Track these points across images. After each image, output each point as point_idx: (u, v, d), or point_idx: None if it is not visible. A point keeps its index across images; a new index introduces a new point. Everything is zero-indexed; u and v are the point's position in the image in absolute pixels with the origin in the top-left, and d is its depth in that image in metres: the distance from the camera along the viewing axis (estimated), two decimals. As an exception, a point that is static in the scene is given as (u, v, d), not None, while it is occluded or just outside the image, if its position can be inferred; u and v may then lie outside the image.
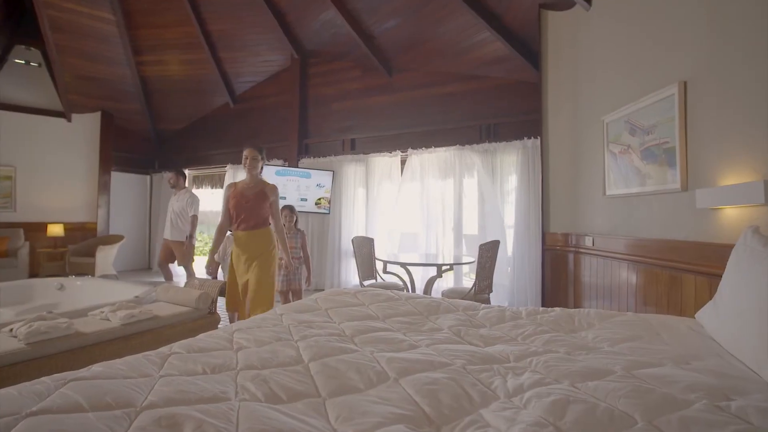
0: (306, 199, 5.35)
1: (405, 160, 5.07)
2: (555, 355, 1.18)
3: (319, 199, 5.39)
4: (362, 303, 1.74)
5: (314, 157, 5.63)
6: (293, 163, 5.67)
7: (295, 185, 5.33)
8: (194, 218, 4.52)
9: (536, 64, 3.96)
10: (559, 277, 3.57)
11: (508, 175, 4.55)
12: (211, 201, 7.13)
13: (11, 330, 1.93)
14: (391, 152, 5.13)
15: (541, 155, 3.90)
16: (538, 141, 4.10)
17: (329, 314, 1.62)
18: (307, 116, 5.88)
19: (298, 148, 5.76)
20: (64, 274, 5.51)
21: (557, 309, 1.74)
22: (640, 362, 1.09)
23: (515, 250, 4.26)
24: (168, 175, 4.81)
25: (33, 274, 5.82)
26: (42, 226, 6.13)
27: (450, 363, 1.11)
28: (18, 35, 5.96)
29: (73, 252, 5.75)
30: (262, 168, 2.77)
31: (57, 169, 6.40)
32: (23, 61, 6.12)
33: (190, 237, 4.49)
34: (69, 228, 6.32)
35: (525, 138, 4.34)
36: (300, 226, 5.52)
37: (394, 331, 1.42)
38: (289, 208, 3.42)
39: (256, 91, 6.46)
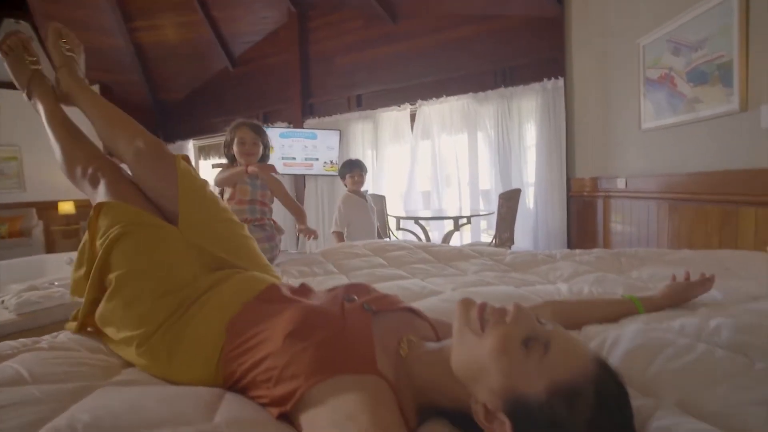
0: (317, 159, 5.15)
1: (415, 115, 4.76)
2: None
3: (330, 162, 5.18)
4: (370, 254, 1.54)
5: (319, 117, 5.36)
6: (298, 125, 5.41)
7: (301, 146, 5.11)
8: None
9: (557, -7, 3.54)
10: (586, 225, 3.32)
11: (527, 121, 4.21)
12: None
13: (2, 302, 1.83)
14: (399, 105, 4.82)
15: (565, 96, 3.57)
16: (560, 81, 3.75)
17: (333, 266, 1.44)
18: (310, 75, 5.55)
19: (302, 109, 5.48)
20: (79, 251, 5.51)
21: (596, 249, 1.52)
22: (729, 298, 0.89)
23: (537, 200, 4.00)
24: None
25: (49, 252, 5.83)
26: (53, 205, 6.09)
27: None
28: (5, 8, 5.70)
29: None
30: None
31: (61, 147, 6.29)
32: (14, 36, 5.89)
33: None
34: (80, 205, 6.26)
35: (545, 79, 3.96)
36: (309, 188, 5.29)
37: (410, 278, 1.23)
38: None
39: (255, 52, 6.12)
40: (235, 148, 1.82)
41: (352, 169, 2.87)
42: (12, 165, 6.09)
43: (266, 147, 1.89)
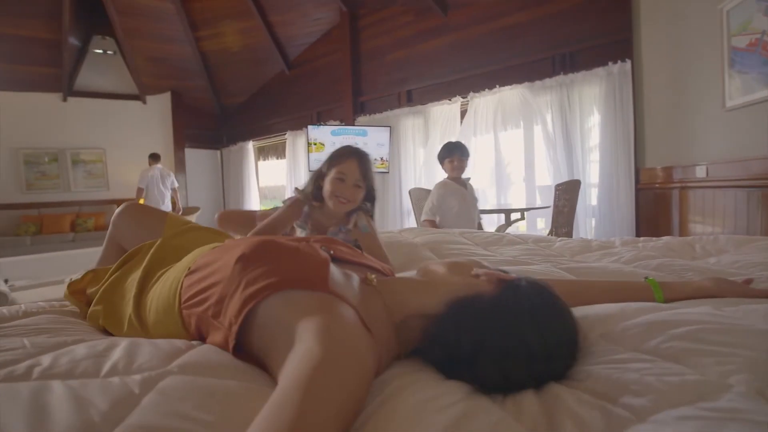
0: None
1: (465, 110, 4.59)
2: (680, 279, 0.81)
3: (380, 159, 5.16)
4: (406, 239, 1.45)
5: (370, 114, 5.36)
6: (349, 123, 5.46)
7: (351, 143, 5.10)
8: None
9: (623, -35, 3.22)
10: (658, 219, 2.96)
11: (589, 110, 3.87)
12: (276, 172, 7.26)
13: (71, 279, 1.96)
14: (450, 99, 4.67)
15: (633, 79, 3.23)
16: (627, 64, 3.40)
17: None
18: (361, 72, 5.58)
19: (354, 107, 5.52)
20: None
21: (665, 237, 1.30)
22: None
23: (600, 195, 3.65)
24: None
25: (127, 245, 6.41)
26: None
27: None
28: (94, 26, 6.38)
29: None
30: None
31: (138, 149, 6.88)
32: (101, 51, 6.56)
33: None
34: (153, 203, 6.83)
35: (610, 63, 3.61)
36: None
37: (435, 258, 1.12)
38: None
39: (309, 53, 6.29)
40: (327, 185, 1.28)
41: (452, 153, 2.52)
42: (98, 166, 6.79)
43: (370, 190, 1.34)
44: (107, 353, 0.48)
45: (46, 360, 0.46)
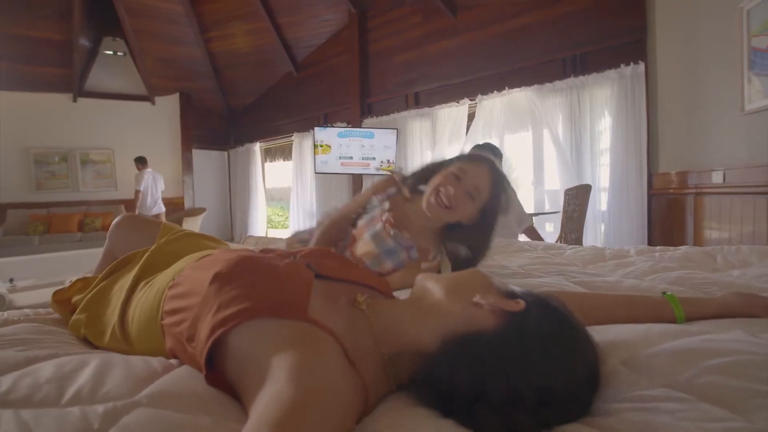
0: (374, 158, 5.12)
1: (473, 112, 4.53)
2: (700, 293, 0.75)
3: (386, 161, 5.11)
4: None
5: (377, 116, 5.32)
6: (356, 125, 5.42)
7: (358, 145, 5.11)
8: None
9: (637, -35, 3.15)
10: (671, 227, 2.88)
11: (600, 113, 3.79)
12: (282, 174, 7.25)
13: (71, 281, 1.95)
14: (458, 101, 4.61)
15: (646, 81, 3.15)
16: (640, 66, 3.32)
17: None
18: (368, 74, 5.55)
19: (361, 109, 5.49)
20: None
21: (683, 246, 1.24)
22: None
23: (611, 200, 3.56)
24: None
25: (134, 245, 6.43)
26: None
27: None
28: (104, 27, 6.43)
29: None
30: None
31: (146, 150, 6.89)
32: (111, 52, 6.61)
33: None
34: (161, 203, 6.85)
35: (622, 65, 3.53)
36: (366, 188, 5.23)
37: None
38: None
39: (317, 55, 6.28)
40: (436, 178, 0.99)
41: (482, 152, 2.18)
42: (107, 166, 6.83)
43: (482, 231, 0.99)
44: (74, 375, 0.44)
45: (5, 382, 0.42)
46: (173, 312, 0.56)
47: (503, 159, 2.22)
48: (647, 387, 0.41)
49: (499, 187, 0.98)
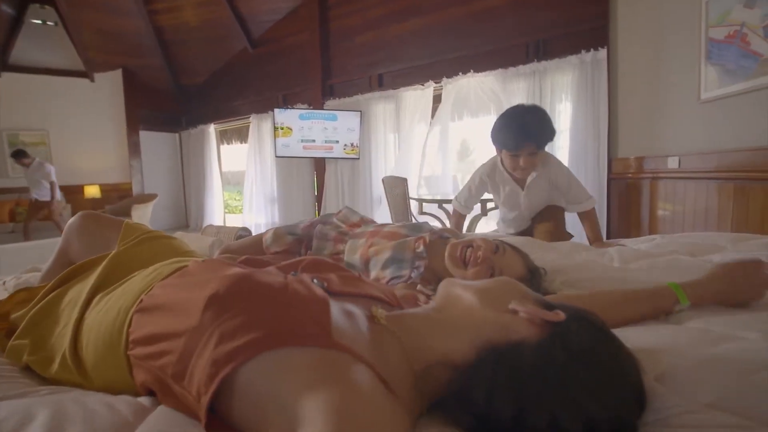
0: (338, 141, 4.97)
1: (438, 95, 4.48)
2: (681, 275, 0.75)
3: (350, 145, 4.99)
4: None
5: (339, 98, 5.15)
6: (318, 107, 5.23)
7: (321, 128, 4.94)
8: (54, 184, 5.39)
9: (600, -49, 3.18)
10: (629, 210, 3.01)
11: (560, 99, 3.86)
12: (239, 157, 6.89)
13: (3, 283, 1.74)
14: (423, 84, 4.55)
15: (608, 68, 3.23)
16: (601, 53, 3.39)
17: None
18: (330, 54, 5.34)
19: (323, 90, 5.28)
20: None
21: (657, 235, 1.27)
22: None
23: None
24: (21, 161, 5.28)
25: (76, 235, 5.93)
26: (80, 189, 6.18)
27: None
28: (31, -7, 5.72)
29: (110, 212, 5.75)
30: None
31: (87, 131, 6.35)
32: (40, 21, 5.91)
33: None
34: (105, 189, 6.35)
35: (583, 51, 3.60)
36: (329, 171, 5.01)
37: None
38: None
39: (274, 32, 5.95)
40: (479, 240, 0.99)
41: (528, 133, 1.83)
42: (41, 149, 6.19)
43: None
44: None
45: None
46: (148, 341, 0.47)
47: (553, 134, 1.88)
48: (692, 408, 0.38)
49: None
